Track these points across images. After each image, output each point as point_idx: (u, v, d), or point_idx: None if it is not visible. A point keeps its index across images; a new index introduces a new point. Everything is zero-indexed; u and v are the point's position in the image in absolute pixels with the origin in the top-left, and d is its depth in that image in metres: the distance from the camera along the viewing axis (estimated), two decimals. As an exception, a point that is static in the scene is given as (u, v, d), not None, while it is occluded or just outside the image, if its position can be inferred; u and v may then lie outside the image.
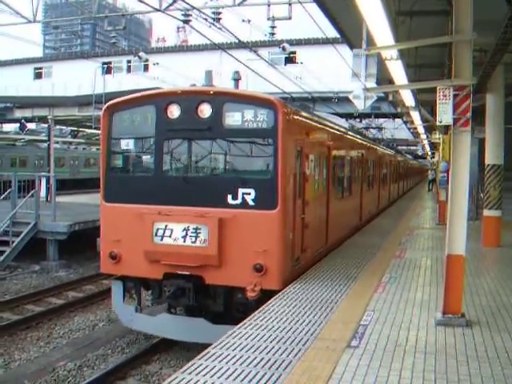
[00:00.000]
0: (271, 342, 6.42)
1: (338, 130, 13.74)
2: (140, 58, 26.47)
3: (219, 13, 18.21)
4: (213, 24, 16.01)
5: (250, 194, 8.82)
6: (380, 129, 36.80)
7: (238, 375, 5.44)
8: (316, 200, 11.06)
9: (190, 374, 5.47)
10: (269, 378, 5.37)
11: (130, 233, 9.46)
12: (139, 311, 10.10)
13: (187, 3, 14.71)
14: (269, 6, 17.16)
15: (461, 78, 7.16)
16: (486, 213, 14.43)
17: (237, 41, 16.57)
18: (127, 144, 9.92)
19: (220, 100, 9.11)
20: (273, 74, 20.77)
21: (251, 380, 5.34)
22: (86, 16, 22.06)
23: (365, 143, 19.01)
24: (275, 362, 5.80)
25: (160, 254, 9.17)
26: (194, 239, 8.95)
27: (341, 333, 6.78)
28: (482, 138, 15.25)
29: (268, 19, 17.93)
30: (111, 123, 9.87)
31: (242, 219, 8.84)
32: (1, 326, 11.26)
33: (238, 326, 7.06)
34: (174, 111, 9.34)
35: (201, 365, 5.69)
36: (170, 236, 9.08)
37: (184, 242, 8.99)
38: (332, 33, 15.17)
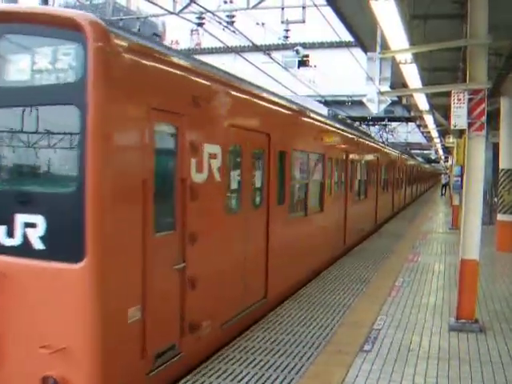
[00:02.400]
0: (284, 345, 6.43)
1: (291, 110, 9.12)
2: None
3: (233, 16, 18.24)
4: (227, 27, 16.07)
5: (35, 225, 4.45)
6: (384, 126, 36.47)
7: (251, 378, 5.45)
8: (231, 228, 6.65)
9: (202, 375, 5.48)
10: (281, 382, 5.37)
11: None
12: None
13: (201, 6, 14.76)
14: (283, 9, 17.15)
15: (476, 81, 7.14)
16: (500, 217, 14.36)
17: (250, 44, 16.59)
18: None
19: None
20: (286, 78, 20.78)
21: (264, 383, 5.34)
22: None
23: (351, 137, 14.36)
24: (288, 365, 5.81)
25: None
26: None
27: (353, 337, 6.77)
28: (497, 142, 15.20)
29: (282, 22, 17.93)
30: None
31: (18, 280, 4.47)
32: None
33: (251, 328, 7.03)
34: None
35: (213, 367, 5.70)
36: None
37: None
38: (346, 36, 15.18)
